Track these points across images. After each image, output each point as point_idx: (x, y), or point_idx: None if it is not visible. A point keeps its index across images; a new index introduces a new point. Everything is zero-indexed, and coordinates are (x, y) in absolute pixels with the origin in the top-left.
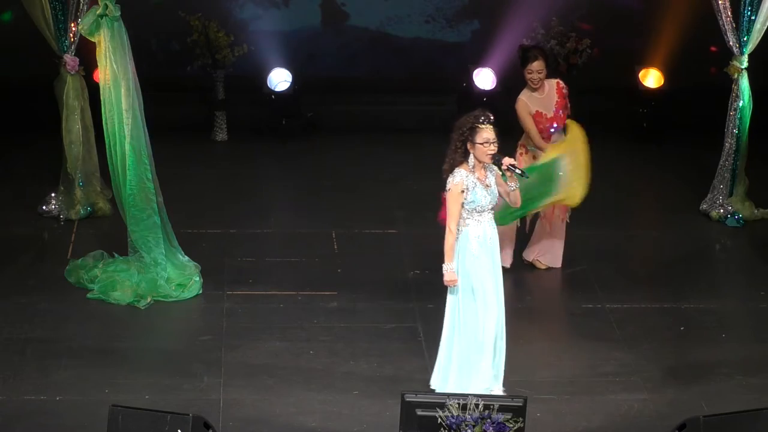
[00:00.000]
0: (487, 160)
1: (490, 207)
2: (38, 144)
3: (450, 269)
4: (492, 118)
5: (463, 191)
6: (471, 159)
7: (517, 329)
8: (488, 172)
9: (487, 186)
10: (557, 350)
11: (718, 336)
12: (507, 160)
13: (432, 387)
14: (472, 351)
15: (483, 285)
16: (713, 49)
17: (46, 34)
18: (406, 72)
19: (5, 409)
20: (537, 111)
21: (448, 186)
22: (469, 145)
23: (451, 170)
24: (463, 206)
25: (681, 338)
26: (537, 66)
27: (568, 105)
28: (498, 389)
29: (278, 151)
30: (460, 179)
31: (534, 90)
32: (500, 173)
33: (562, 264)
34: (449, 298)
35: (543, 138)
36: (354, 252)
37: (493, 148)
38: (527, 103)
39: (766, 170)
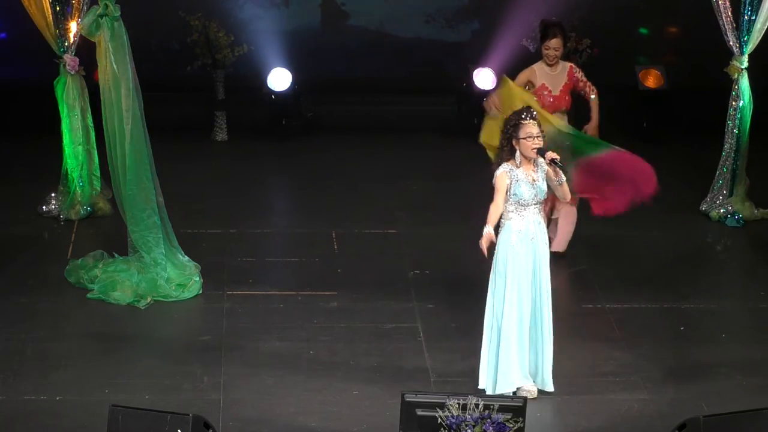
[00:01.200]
0: (532, 154)
1: (534, 202)
2: (38, 144)
3: (487, 231)
4: (535, 113)
5: (507, 179)
6: (518, 155)
7: None
8: (538, 168)
9: (534, 181)
10: (557, 350)
11: (718, 336)
12: (549, 154)
13: (481, 388)
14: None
15: (517, 280)
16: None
17: (47, 35)
18: (406, 72)
19: (5, 409)
20: (543, 84)
21: (494, 178)
22: (514, 142)
23: (498, 165)
24: (507, 199)
25: (681, 338)
26: (555, 43)
27: (590, 88)
28: (530, 387)
29: (278, 151)
30: (502, 170)
31: (549, 65)
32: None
33: (563, 264)
34: (488, 295)
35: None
36: (354, 252)
37: (537, 142)
38: (536, 73)
39: (766, 170)
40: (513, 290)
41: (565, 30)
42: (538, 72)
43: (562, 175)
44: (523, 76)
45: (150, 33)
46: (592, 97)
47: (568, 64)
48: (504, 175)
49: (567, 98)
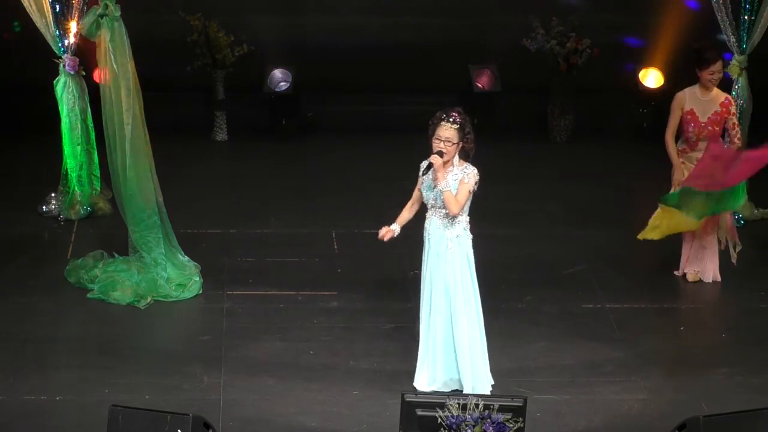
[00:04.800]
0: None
1: (437, 206)
2: (38, 144)
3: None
4: (455, 117)
5: (420, 173)
6: None
7: (517, 329)
8: (456, 171)
9: (438, 186)
10: (557, 350)
11: (718, 336)
12: (432, 157)
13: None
14: None
15: (422, 276)
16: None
17: (46, 35)
18: (406, 72)
19: (5, 409)
20: (691, 109)
21: None
22: (429, 140)
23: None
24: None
25: (681, 338)
26: (718, 66)
27: (735, 124)
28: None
29: (278, 151)
30: (422, 165)
31: (702, 90)
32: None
33: (561, 264)
34: None
35: (691, 141)
36: (354, 252)
37: (441, 146)
38: (685, 97)
39: (766, 170)
40: (422, 289)
41: (721, 51)
42: (688, 96)
43: (443, 184)
44: (674, 104)
45: (150, 33)
46: (737, 143)
47: (725, 95)
48: (420, 171)
49: (713, 129)
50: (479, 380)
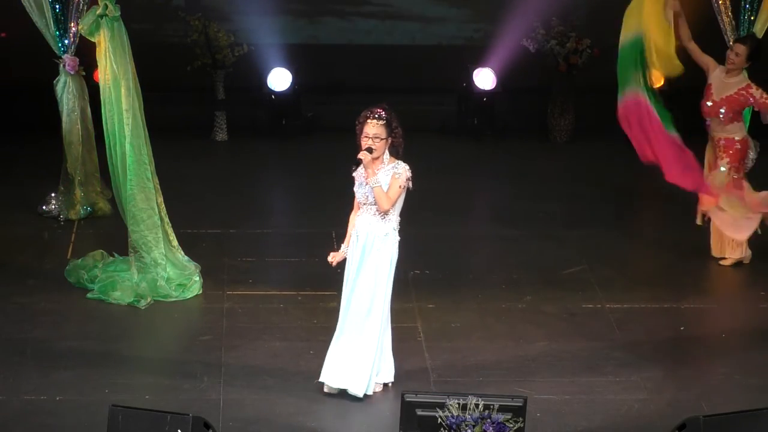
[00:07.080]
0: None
1: (367, 202)
2: (38, 144)
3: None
4: (380, 114)
5: (354, 175)
6: None
7: (517, 329)
8: (387, 167)
9: (368, 182)
10: (557, 350)
11: (718, 336)
12: (361, 154)
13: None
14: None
15: (346, 275)
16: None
17: (47, 35)
18: (406, 72)
19: (5, 409)
20: (710, 84)
21: None
22: (358, 138)
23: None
24: None
25: (681, 338)
26: (736, 49)
27: (755, 101)
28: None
29: (278, 151)
30: (354, 166)
31: (726, 72)
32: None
33: (561, 264)
34: None
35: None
36: None
37: (369, 143)
38: (713, 71)
39: (765, 170)
40: (345, 287)
41: (752, 40)
42: (716, 72)
43: (373, 180)
44: (708, 59)
45: (150, 33)
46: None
47: (747, 82)
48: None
49: (725, 111)
50: (386, 373)
